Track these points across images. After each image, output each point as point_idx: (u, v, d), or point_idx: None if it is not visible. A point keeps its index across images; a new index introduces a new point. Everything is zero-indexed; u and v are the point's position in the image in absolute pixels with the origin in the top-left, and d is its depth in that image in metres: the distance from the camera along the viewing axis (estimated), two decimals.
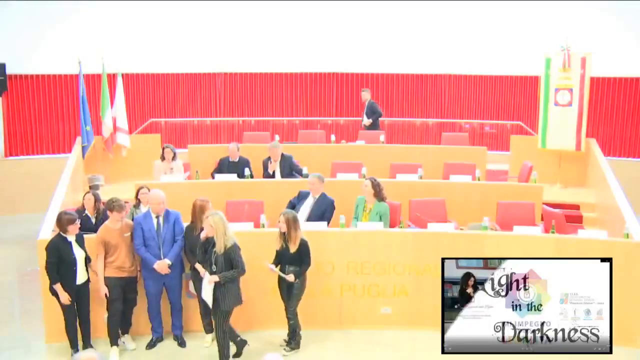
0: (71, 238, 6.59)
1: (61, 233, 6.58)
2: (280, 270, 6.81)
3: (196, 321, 7.28)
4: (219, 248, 6.29)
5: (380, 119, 12.70)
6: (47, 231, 7.22)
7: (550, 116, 11.36)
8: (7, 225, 11.79)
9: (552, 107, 11.34)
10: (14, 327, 7.86)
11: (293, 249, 6.75)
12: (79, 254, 6.59)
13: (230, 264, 6.32)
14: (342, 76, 14.92)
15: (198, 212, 6.91)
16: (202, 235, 6.56)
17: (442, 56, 14.32)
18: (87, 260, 6.69)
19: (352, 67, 14.79)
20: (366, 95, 12.72)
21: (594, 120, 13.07)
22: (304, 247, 6.78)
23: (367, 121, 12.50)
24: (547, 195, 9.84)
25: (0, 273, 9.58)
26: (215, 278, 6.28)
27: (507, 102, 14.40)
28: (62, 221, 6.57)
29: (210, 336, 7.09)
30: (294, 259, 6.77)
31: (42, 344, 7.13)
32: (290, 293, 6.84)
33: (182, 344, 7.10)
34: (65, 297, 6.55)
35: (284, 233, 6.78)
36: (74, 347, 6.71)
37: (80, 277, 6.62)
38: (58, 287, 6.54)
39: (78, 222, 6.64)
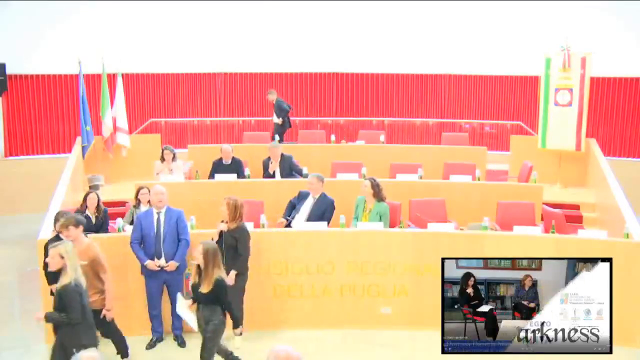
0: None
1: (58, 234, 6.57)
2: (197, 308, 5.84)
3: None
4: (61, 282, 5.35)
5: (289, 116, 12.78)
6: (47, 231, 7.20)
7: (550, 116, 11.36)
8: (7, 225, 11.77)
9: (552, 107, 11.34)
10: (14, 327, 7.86)
11: (206, 288, 5.68)
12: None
13: (62, 304, 5.31)
14: (342, 76, 14.92)
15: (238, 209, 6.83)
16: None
17: (442, 56, 14.32)
18: None
19: (352, 67, 14.80)
20: (272, 96, 12.82)
21: (594, 120, 13.06)
22: (218, 288, 5.66)
23: (278, 120, 12.60)
24: (547, 195, 9.84)
25: (0, 273, 9.58)
26: (40, 315, 5.53)
27: (507, 102, 14.39)
28: (54, 221, 6.56)
29: None
30: (208, 300, 5.72)
31: (42, 344, 7.11)
32: (203, 336, 5.84)
33: (182, 344, 7.07)
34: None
35: (199, 266, 5.75)
36: None
37: None
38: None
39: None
